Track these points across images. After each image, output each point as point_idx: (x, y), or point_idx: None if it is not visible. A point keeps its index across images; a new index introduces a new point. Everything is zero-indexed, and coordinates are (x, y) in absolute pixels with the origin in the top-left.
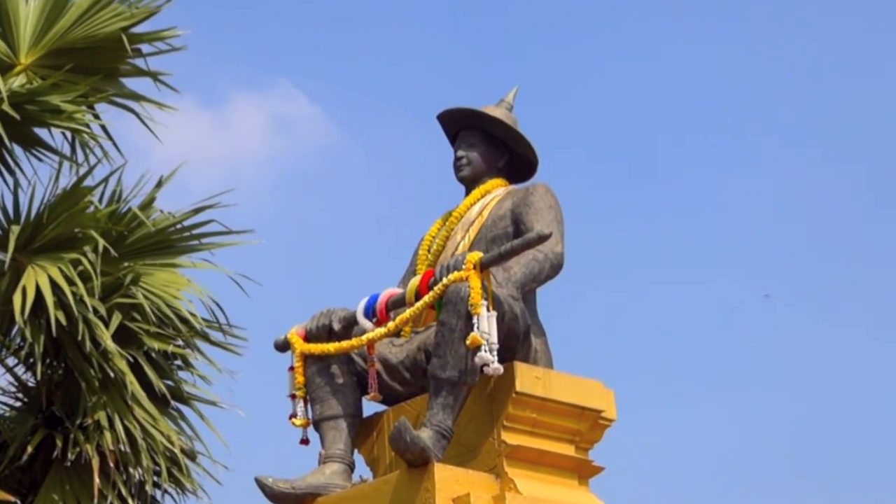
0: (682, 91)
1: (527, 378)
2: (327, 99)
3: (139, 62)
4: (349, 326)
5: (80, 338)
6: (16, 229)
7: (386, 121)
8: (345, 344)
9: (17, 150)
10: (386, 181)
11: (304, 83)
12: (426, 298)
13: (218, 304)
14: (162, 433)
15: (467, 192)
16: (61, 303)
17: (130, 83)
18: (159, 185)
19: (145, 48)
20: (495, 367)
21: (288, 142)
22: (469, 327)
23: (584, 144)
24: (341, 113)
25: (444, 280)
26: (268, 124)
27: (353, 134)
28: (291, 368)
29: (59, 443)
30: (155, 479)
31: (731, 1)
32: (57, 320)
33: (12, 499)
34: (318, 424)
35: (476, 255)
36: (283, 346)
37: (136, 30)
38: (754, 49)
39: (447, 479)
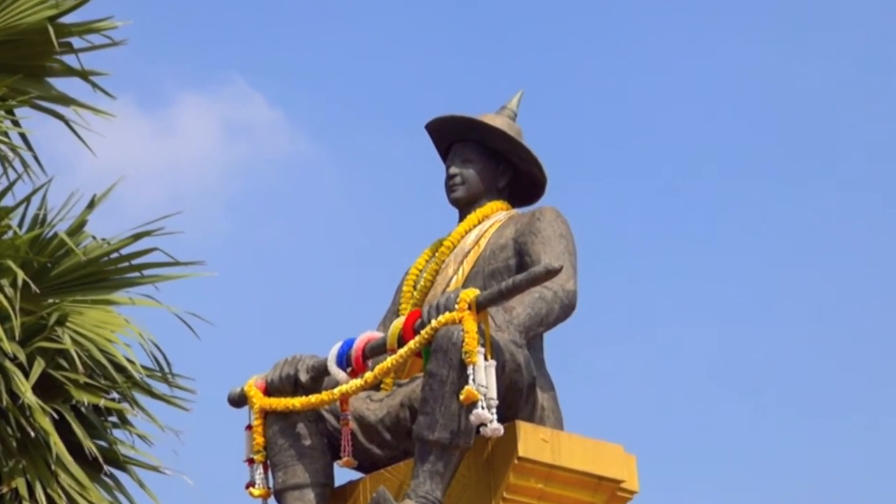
0: (725, 105)
1: (532, 440)
2: (291, 101)
3: (69, 59)
4: (319, 377)
5: None
6: None
7: (364, 129)
8: (313, 398)
9: None
10: (364, 202)
11: (263, 82)
12: (411, 344)
13: (161, 350)
14: None
15: (461, 217)
16: None
17: (58, 83)
18: (91, 205)
19: (76, 42)
20: (494, 426)
21: (245, 152)
22: (463, 379)
23: (600, 161)
24: (309, 118)
25: (434, 322)
26: (220, 131)
27: (324, 144)
28: (249, 427)
29: None
30: None
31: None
32: None
33: None
34: (280, 495)
35: (472, 293)
36: (240, 400)
37: (66, 20)
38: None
39: None
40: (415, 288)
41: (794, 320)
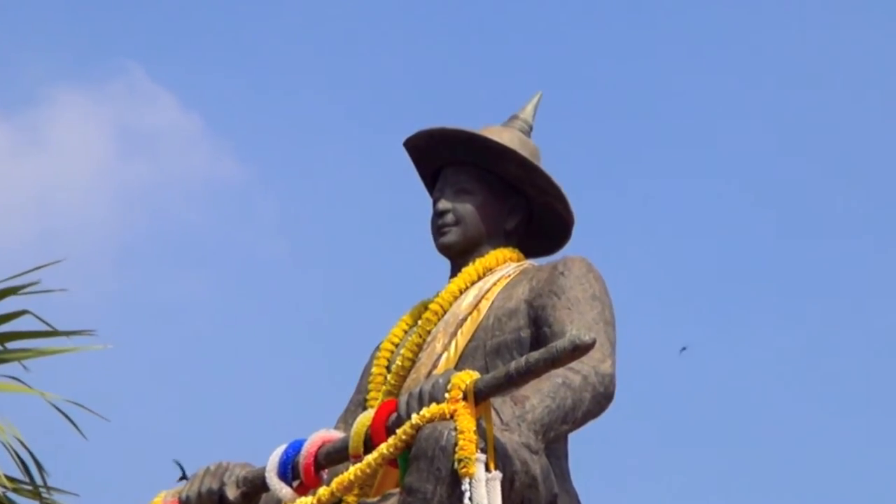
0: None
1: None
2: (213, 103)
3: None
4: (253, 494)
5: None
6: None
7: (315, 145)
8: None
9: None
10: (313, 246)
11: (171, 74)
12: (383, 448)
13: (32, 454)
14: None
15: (454, 271)
16: None
17: None
18: None
19: None
20: None
21: (146, 173)
22: (455, 498)
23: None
24: (238, 128)
25: (415, 418)
26: (111, 142)
27: (258, 164)
28: None
29: None
30: None
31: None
32: None
33: None
34: None
35: (468, 377)
36: None
37: None
38: None
39: None
40: (388, 369)
41: None
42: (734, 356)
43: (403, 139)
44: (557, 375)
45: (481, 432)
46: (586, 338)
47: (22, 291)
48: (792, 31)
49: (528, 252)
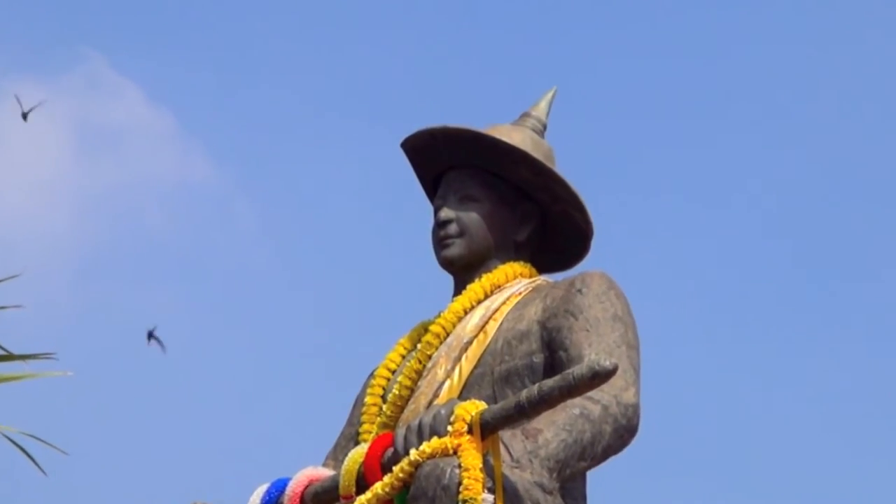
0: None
1: None
2: (185, 97)
3: None
4: None
5: None
6: None
7: (304, 144)
8: None
9: None
10: (306, 259)
11: (137, 65)
12: (378, 488)
13: None
14: None
15: (458, 288)
16: None
17: None
18: None
19: None
20: None
21: (110, 176)
22: None
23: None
24: (213, 126)
25: (414, 454)
26: (70, 141)
27: (236, 167)
28: None
29: None
30: None
31: None
32: None
33: None
34: None
35: (474, 407)
36: None
37: None
38: None
39: None
40: (384, 399)
41: None
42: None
43: (401, 139)
44: (574, 406)
45: (488, 470)
46: (607, 363)
47: None
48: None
49: (542, 267)
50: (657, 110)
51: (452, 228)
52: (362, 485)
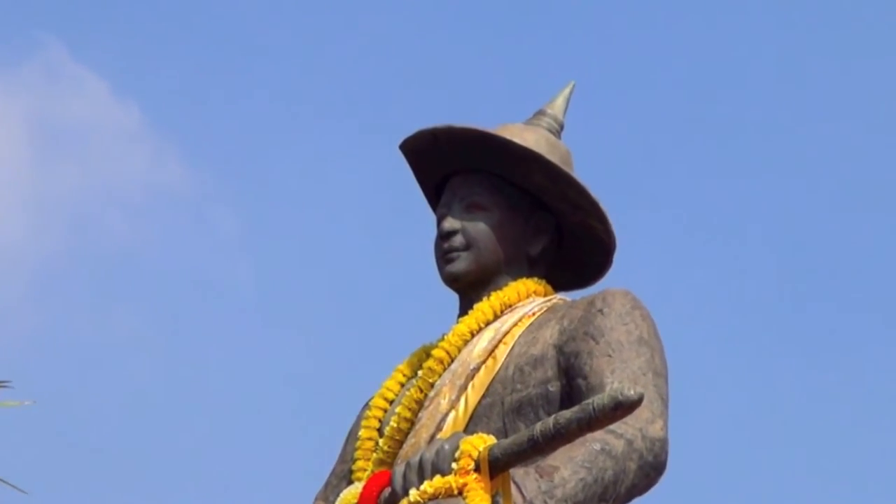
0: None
1: None
2: (155, 89)
3: None
4: None
5: None
6: None
7: (289, 144)
8: None
9: None
10: (290, 272)
11: (102, 53)
12: None
13: None
14: None
15: (464, 307)
16: None
17: None
18: None
19: None
20: None
21: (70, 176)
22: None
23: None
24: (187, 121)
25: (414, 494)
26: (23, 136)
27: (215, 166)
28: None
29: None
30: None
31: None
32: None
33: None
34: None
35: (481, 442)
36: None
37: None
38: None
39: None
40: (380, 432)
41: None
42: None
43: (400, 140)
44: (595, 440)
45: None
46: (631, 393)
47: None
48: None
49: (558, 284)
50: (690, 109)
51: (457, 240)
52: None
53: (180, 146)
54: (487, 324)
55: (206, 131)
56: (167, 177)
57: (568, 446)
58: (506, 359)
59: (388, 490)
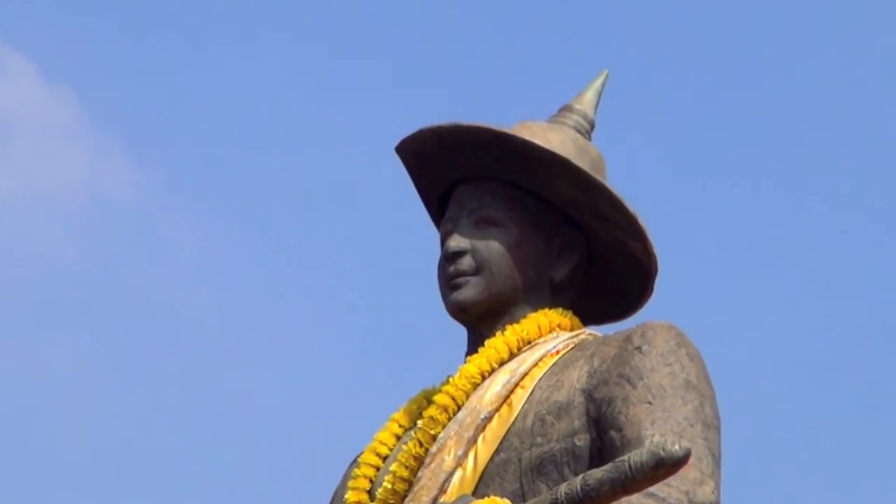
0: None
1: None
2: (95, 75)
3: None
4: None
5: None
6: None
7: (259, 142)
8: None
9: None
10: (259, 302)
11: (31, 32)
12: None
13: None
14: None
15: (474, 344)
16: None
17: None
18: None
19: None
20: None
21: (10, 188)
22: None
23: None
24: (135, 112)
25: None
26: None
27: (169, 167)
28: None
29: None
30: None
31: None
32: None
33: None
34: None
35: None
36: None
37: None
38: None
39: None
40: (372, 495)
41: None
42: None
43: (396, 142)
44: None
45: None
46: (675, 448)
47: None
48: None
49: (587, 316)
50: (737, 107)
51: (466, 263)
52: None
53: (127, 144)
54: (502, 364)
55: (158, 127)
56: (111, 180)
57: None
58: (524, 406)
59: None
